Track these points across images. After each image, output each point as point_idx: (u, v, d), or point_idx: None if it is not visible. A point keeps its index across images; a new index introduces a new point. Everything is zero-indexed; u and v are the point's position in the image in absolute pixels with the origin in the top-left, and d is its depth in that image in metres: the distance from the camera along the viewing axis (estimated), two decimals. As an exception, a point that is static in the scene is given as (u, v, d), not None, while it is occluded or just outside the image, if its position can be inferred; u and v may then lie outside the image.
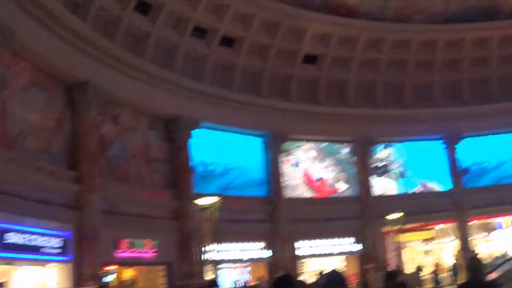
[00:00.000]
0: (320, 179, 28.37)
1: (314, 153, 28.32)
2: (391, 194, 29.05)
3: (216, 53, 24.31)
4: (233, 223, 22.90)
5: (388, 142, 29.72)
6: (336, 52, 27.52)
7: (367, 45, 27.81)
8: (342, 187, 28.70)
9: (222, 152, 24.97)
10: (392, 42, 28.11)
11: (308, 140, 28.21)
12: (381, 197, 28.39)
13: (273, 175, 26.22)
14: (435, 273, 25.49)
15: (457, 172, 29.71)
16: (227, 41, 24.72)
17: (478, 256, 20.64)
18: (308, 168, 28.04)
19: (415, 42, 28.39)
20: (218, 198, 18.48)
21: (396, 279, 7.84)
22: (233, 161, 25.38)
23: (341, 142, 29.00)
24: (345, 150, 29.05)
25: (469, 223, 28.90)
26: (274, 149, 26.48)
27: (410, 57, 28.75)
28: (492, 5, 28.12)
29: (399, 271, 23.24)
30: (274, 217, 25.54)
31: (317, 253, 26.79)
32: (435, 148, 30.13)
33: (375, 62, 28.52)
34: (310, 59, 27.57)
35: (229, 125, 25.01)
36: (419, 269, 25.21)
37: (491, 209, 28.83)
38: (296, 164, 27.73)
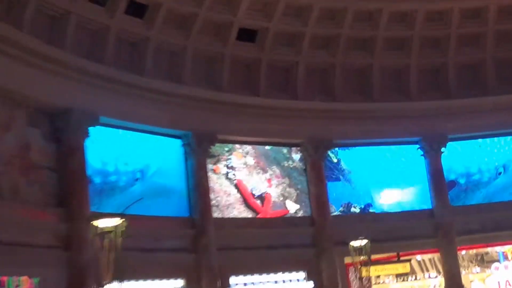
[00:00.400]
0: (262, 195, 29.87)
1: (252, 160, 29.80)
2: (354, 213, 30.92)
3: (121, 24, 25.08)
4: (143, 253, 23.80)
5: (349, 146, 31.68)
6: (281, 26, 29.19)
7: (322, 17, 29.59)
8: (291, 205, 30.36)
9: (128, 157, 25.87)
10: (356, 13, 29.99)
11: (244, 143, 29.74)
12: (342, 218, 30.18)
13: (197, 188, 27.41)
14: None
15: (441, 185, 31.94)
16: (137, 9, 25.52)
17: None
18: (245, 180, 29.50)
19: (385, 14, 30.39)
20: (122, 220, 18.58)
21: None
22: (143, 169, 26.40)
23: (289, 145, 30.70)
24: (296, 156, 30.74)
25: (460, 253, 31.30)
26: (199, 154, 27.68)
27: (379, 34, 30.79)
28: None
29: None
30: (199, 244, 26.71)
31: (257, 292, 28.25)
32: (411, 154, 32.39)
33: (334, 39, 30.35)
34: (247, 35, 29.11)
35: (139, 122, 25.83)
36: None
37: (489, 234, 31.39)
38: (228, 174, 29.11)
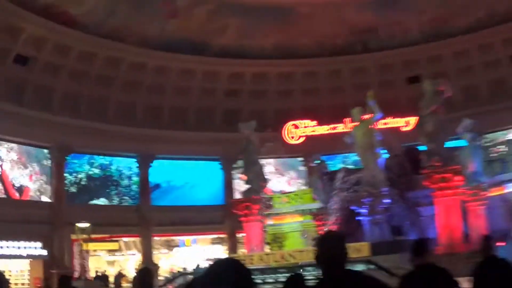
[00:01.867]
0: (22, 188, 41.70)
1: (15, 155, 41.75)
2: (80, 203, 44.27)
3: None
4: None
5: (88, 154, 44.99)
6: (48, 57, 41.76)
7: (81, 56, 42.88)
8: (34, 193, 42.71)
9: None
10: (105, 58, 43.81)
11: (10, 141, 41.61)
12: (74, 206, 43.09)
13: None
14: (117, 283, 40.84)
15: (146, 189, 46.56)
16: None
17: (147, 269, 36.55)
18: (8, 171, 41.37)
19: (126, 62, 44.73)
20: None
21: (70, 284, 12.10)
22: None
23: (41, 147, 43.03)
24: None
25: (154, 239, 46.07)
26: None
27: (120, 75, 45.04)
28: (201, 40, 46.19)
29: (104, 276, 38.10)
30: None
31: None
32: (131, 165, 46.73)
33: (85, 75, 43.69)
34: (21, 60, 41.08)
35: None
36: (99, 277, 40.40)
37: (175, 227, 46.75)
38: (-3, 165, 40.76)
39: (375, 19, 47.82)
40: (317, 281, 5.09)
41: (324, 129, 49.87)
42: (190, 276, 27.34)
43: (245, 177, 29.76)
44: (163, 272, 44.60)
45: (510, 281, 8.99)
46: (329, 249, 4.98)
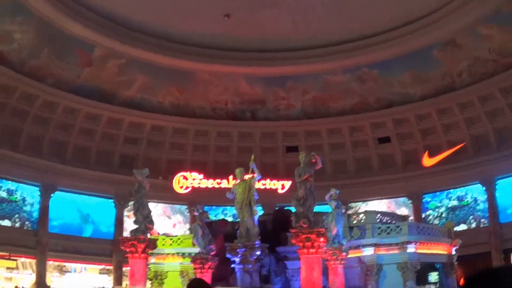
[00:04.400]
0: None
1: None
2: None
3: None
4: None
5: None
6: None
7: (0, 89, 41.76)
8: None
9: None
10: (22, 92, 42.70)
11: None
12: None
13: None
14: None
15: (45, 216, 45.11)
16: None
17: None
18: None
19: (41, 99, 43.61)
20: None
21: None
22: None
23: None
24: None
25: (48, 262, 44.55)
26: None
27: (32, 110, 43.79)
28: (110, 90, 45.90)
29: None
30: None
31: None
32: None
33: (2, 106, 42.39)
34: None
35: None
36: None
37: (68, 254, 45.53)
38: None
39: (264, 93, 49.25)
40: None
41: (209, 183, 50.06)
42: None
43: (134, 217, 29.33)
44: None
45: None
46: None
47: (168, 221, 51.49)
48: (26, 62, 42.31)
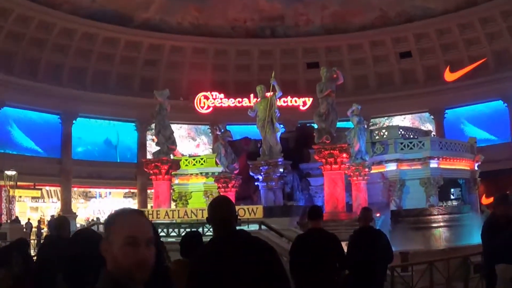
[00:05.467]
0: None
1: None
2: (10, 152, 42.59)
3: None
4: None
5: (18, 108, 43.46)
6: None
7: (18, 19, 41.31)
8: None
9: None
10: (39, 21, 42.22)
11: None
12: (2, 154, 41.62)
13: None
14: (39, 227, 39.57)
15: (68, 143, 45.41)
16: None
17: (62, 216, 36.13)
18: None
19: (58, 27, 43.20)
20: None
21: None
22: None
23: None
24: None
25: (73, 189, 45.16)
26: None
27: (51, 39, 43.52)
28: (127, 13, 45.17)
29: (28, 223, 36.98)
30: None
31: None
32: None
33: (21, 36, 42.20)
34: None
35: None
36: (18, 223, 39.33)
37: (92, 180, 45.96)
38: None
39: (283, 9, 48.33)
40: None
41: (230, 102, 50.10)
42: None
43: (156, 139, 29.23)
44: (80, 220, 43.97)
45: (374, 246, 9.20)
46: (218, 212, 4.95)
47: (193, 142, 51.56)
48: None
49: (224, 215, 4.91)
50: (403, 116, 50.66)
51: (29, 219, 39.81)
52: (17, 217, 39.01)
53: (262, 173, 28.19)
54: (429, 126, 48.24)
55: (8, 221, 37.31)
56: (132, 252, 3.03)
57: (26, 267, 6.61)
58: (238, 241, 4.79)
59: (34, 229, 37.95)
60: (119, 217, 3.15)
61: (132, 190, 48.74)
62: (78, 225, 38.57)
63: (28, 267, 6.68)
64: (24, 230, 36.33)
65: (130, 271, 3.03)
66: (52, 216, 36.06)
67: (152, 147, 42.59)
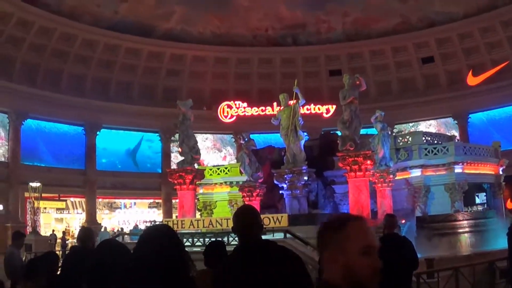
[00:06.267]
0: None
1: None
2: (36, 164, 42.96)
3: None
4: None
5: (41, 120, 43.81)
6: (11, 30, 40.70)
7: (40, 31, 41.72)
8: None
9: None
10: (61, 34, 42.74)
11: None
12: (27, 166, 42.06)
13: None
14: (64, 238, 40.05)
15: (92, 154, 45.73)
16: None
17: (87, 227, 36.13)
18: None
19: (80, 39, 43.65)
20: None
21: (22, 238, 12.63)
22: None
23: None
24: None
25: (97, 200, 45.53)
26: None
27: (73, 50, 44.01)
28: (149, 24, 45.52)
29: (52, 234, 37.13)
30: None
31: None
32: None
33: (43, 48, 42.61)
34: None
35: None
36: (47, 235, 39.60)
37: (116, 191, 46.37)
38: None
39: (305, 16, 48.33)
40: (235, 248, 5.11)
41: (253, 111, 50.08)
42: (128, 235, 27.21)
43: (180, 150, 29.30)
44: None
45: (400, 253, 9.12)
46: (242, 221, 4.95)
47: (219, 154, 51.75)
48: (62, 2, 42.12)
49: (248, 224, 4.90)
50: (429, 122, 50.32)
51: (53, 230, 40.07)
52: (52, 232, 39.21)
53: (286, 181, 28.17)
54: (454, 132, 47.87)
55: (34, 232, 37.60)
56: (370, 261, 3.01)
57: (52, 280, 6.63)
58: (263, 251, 4.76)
59: (58, 240, 38.19)
60: (351, 225, 3.07)
61: (156, 200, 48.90)
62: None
63: (54, 279, 6.71)
64: (49, 241, 36.73)
65: (366, 281, 3.01)
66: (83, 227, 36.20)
67: (177, 157, 42.70)
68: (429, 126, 50.20)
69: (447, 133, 45.60)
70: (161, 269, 4.09)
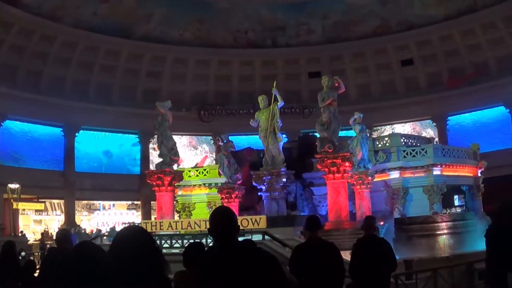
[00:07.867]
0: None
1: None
2: (13, 165, 42.55)
3: None
4: None
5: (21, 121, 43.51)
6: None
7: (20, 32, 41.50)
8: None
9: None
10: (41, 35, 42.52)
11: None
12: (6, 168, 41.52)
13: None
14: (42, 240, 39.73)
15: (71, 156, 45.48)
16: None
17: (65, 229, 35.97)
18: None
19: (59, 40, 43.40)
20: None
21: (14, 249, 10.95)
22: None
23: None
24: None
25: (76, 202, 45.25)
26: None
27: (53, 51, 43.68)
28: (128, 25, 45.37)
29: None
30: None
31: None
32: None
33: (23, 49, 42.40)
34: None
35: None
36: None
37: (95, 192, 46.08)
38: None
39: (285, 19, 48.41)
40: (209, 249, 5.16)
41: (233, 112, 49.95)
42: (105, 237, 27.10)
43: (158, 150, 29.22)
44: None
45: (378, 255, 9.21)
46: (218, 222, 4.93)
47: (194, 151, 51.71)
48: (42, 4, 41.85)
49: (225, 225, 4.90)
50: (404, 123, 50.60)
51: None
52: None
53: (265, 183, 28.23)
54: (430, 132, 48.35)
55: (13, 234, 37.43)
56: None
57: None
58: (238, 252, 4.78)
59: (36, 242, 37.97)
60: None
61: (135, 202, 48.74)
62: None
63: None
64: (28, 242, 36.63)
65: None
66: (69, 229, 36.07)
67: (155, 158, 42.67)
68: (403, 125, 50.55)
69: (423, 133, 46.02)
70: (136, 269, 4.13)
